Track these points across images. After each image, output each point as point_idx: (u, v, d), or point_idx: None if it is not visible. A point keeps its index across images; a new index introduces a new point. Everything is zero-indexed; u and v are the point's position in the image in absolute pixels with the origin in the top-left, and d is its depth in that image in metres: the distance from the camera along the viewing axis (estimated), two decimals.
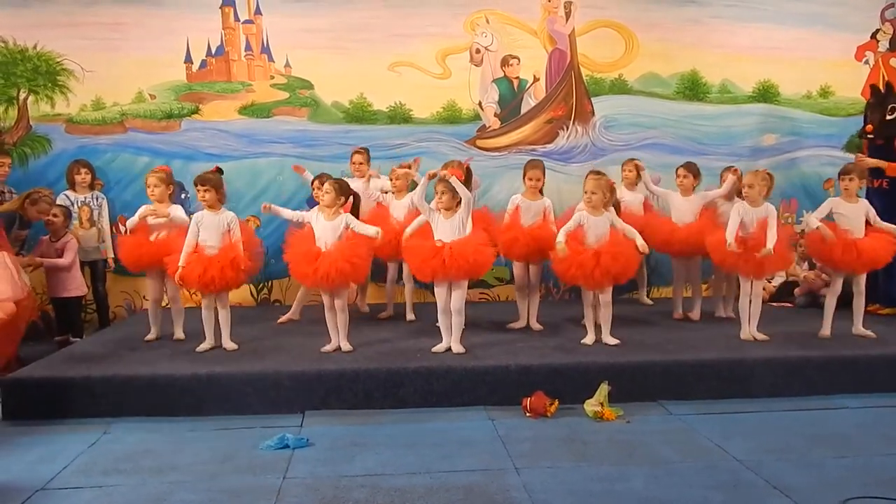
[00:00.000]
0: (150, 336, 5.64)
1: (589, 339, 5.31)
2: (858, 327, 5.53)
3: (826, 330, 5.51)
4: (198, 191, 5.21)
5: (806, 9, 7.63)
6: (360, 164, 6.51)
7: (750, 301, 5.43)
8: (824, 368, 4.98)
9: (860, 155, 6.40)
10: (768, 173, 5.47)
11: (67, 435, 4.31)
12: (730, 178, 6.05)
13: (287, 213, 5.44)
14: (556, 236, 5.23)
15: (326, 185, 5.13)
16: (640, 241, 5.12)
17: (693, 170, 6.15)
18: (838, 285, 5.54)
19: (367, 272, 5.46)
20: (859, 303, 5.56)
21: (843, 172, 5.57)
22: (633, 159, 6.65)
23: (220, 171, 5.46)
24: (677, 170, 6.21)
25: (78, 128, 7.10)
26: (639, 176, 6.50)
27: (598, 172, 5.45)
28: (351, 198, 5.23)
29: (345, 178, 5.71)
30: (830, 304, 5.54)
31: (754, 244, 5.23)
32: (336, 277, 4.98)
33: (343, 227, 5.08)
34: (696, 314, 6.23)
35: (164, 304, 5.72)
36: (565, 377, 4.76)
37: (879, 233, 5.45)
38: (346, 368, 4.77)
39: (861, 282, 5.55)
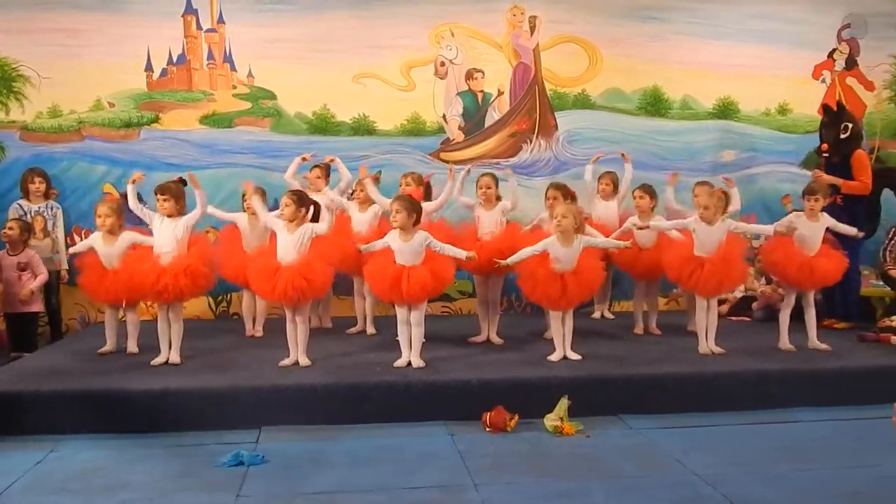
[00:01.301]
0: (105, 348, 5.51)
1: (556, 355, 5.25)
2: (814, 341, 5.60)
3: (785, 342, 5.57)
4: (157, 199, 5.12)
5: (766, 26, 7.75)
6: (318, 178, 6.34)
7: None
8: (783, 382, 5.02)
9: (818, 171, 6.49)
10: (723, 191, 5.53)
11: (13, 453, 4.17)
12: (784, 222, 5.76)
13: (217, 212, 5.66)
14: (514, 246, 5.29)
15: (284, 198, 5.04)
16: (613, 244, 5.31)
17: (649, 191, 6.12)
18: (791, 299, 5.63)
19: (327, 288, 5.41)
20: (811, 316, 5.63)
21: (809, 192, 5.61)
22: (610, 172, 6.68)
23: (183, 182, 5.35)
24: (634, 191, 6.20)
25: (33, 135, 6.95)
26: (616, 190, 6.57)
27: (569, 195, 5.49)
28: (311, 208, 5.14)
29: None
30: (785, 317, 5.62)
31: (711, 267, 5.28)
32: (294, 294, 4.92)
33: (307, 239, 4.98)
34: (654, 327, 6.28)
35: (119, 316, 5.59)
36: (526, 392, 4.74)
37: (832, 251, 5.57)
38: (304, 383, 4.70)
39: (810, 296, 5.64)
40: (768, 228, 5.47)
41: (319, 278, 5.03)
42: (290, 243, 4.99)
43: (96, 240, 5.32)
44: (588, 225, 5.51)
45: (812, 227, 5.56)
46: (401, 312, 5.07)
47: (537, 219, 6.01)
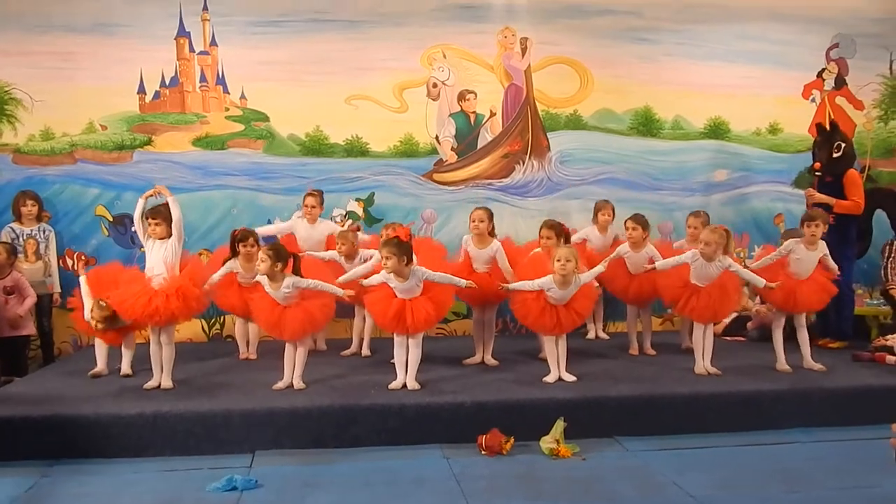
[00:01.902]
0: (96, 370, 5.48)
1: (551, 376, 5.24)
2: (808, 360, 5.60)
3: (783, 363, 5.55)
4: (149, 223, 5.11)
5: (755, 47, 7.81)
6: (313, 207, 6.38)
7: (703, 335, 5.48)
8: (778, 402, 5.02)
9: (811, 190, 6.54)
10: (725, 230, 5.43)
11: (3, 479, 4.12)
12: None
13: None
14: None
15: (261, 254, 4.96)
16: (762, 283, 5.29)
17: (641, 222, 6.02)
18: (782, 320, 5.63)
19: (328, 320, 5.43)
20: (803, 336, 5.63)
21: (809, 219, 5.61)
22: (607, 201, 6.70)
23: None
24: (626, 222, 6.12)
25: (25, 158, 6.94)
26: (612, 218, 6.60)
27: (566, 240, 5.58)
28: (291, 259, 5.06)
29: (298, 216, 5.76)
30: (778, 337, 5.61)
31: (707, 296, 5.31)
32: (300, 333, 5.05)
33: (294, 292, 4.98)
34: (649, 348, 6.27)
35: None
36: (521, 414, 4.72)
37: (821, 277, 5.58)
38: (297, 406, 4.66)
39: (801, 317, 5.64)
40: (760, 281, 5.34)
41: (320, 316, 5.11)
42: (280, 298, 5.00)
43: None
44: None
45: (808, 254, 5.57)
46: (399, 335, 5.06)
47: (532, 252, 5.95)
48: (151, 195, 5.27)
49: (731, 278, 5.39)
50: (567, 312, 5.16)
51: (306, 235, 6.32)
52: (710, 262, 5.31)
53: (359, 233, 6.39)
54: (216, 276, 5.63)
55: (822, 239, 5.62)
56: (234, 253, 5.82)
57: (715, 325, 5.92)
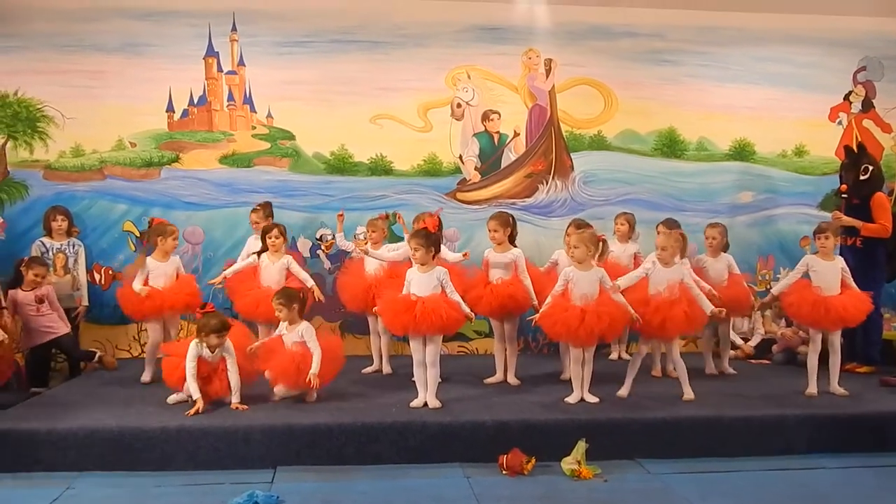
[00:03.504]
0: (145, 378, 5.76)
1: (574, 397, 5.20)
2: (835, 385, 5.53)
3: (812, 388, 5.47)
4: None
5: (780, 69, 7.80)
6: (255, 223, 6.57)
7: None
8: (803, 427, 4.94)
9: (837, 212, 6.48)
10: (681, 234, 5.48)
11: (29, 490, 4.18)
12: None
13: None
14: (526, 291, 5.31)
15: (274, 303, 5.18)
16: (709, 308, 5.18)
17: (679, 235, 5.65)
18: (818, 343, 5.53)
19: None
20: (834, 361, 5.56)
21: (818, 231, 5.64)
22: (625, 213, 6.76)
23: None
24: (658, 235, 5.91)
25: (56, 174, 7.06)
26: (632, 230, 6.68)
27: (581, 225, 5.47)
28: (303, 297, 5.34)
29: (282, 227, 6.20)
30: (813, 361, 5.52)
31: (657, 305, 5.19)
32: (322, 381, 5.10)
33: (310, 333, 5.13)
34: (672, 370, 6.21)
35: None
36: (542, 434, 4.69)
37: (854, 292, 5.50)
38: (319, 423, 4.67)
39: (836, 340, 5.56)
40: (707, 305, 5.20)
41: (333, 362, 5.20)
42: (291, 340, 5.15)
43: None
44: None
45: (827, 266, 5.53)
46: (416, 353, 5.07)
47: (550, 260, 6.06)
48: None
49: (686, 292, 5.25)
50: (597, 321, 4.99)
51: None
52: (668, 266, 5.28)
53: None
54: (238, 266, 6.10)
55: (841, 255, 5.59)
56: (265, 247, 6.09)
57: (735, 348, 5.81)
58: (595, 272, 5.14)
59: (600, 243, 5.29)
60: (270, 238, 6.05)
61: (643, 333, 5.36)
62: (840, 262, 5.59)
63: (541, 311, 5.19)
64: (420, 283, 5.03)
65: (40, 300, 6.05)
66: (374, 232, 6.26)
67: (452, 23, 7.47)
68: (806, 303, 5.41)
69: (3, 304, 5.84)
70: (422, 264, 5.04)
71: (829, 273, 5.51)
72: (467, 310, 5.07)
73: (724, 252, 6.26)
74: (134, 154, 7.16)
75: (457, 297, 5.08)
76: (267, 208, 6.72)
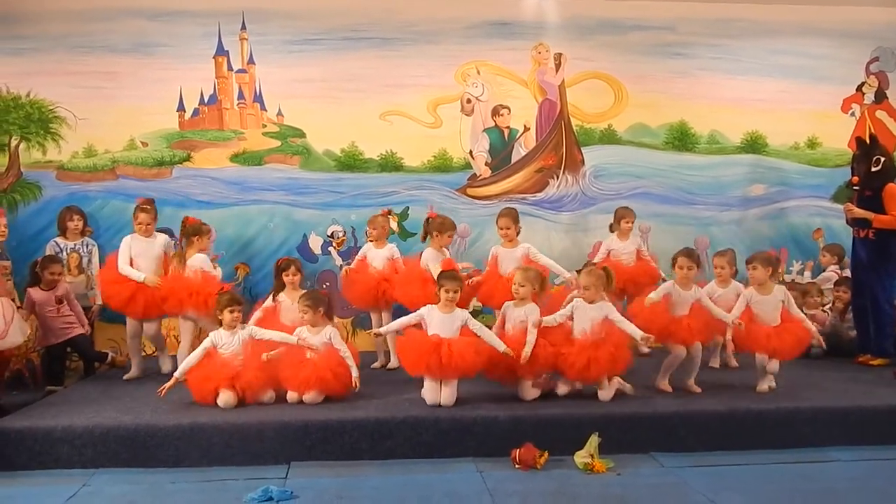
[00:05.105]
0: (131, 374, 5.84)
1: (606, 394, 5.07)
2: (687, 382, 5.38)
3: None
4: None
5: (791, 61, 7.76)
6: (147, 224, 6.13)
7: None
8: (816, 420, 4.93)
9: (849, 204, 6.44)
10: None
11: (46, 487, 4.22)
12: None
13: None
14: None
15: (300, 306, 5.18)
16: (639, 335, 4.98)
17: (695, 258, 5.44)
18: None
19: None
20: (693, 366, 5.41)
21: (748, 261, 5.47)
22: (629, 208, 6.76)
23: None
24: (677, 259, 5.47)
25: (69, 174, 7.11)
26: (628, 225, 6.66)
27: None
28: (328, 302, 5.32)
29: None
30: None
31: (581, 346, 5.02)
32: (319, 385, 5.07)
33: (336, 337, 5.18)
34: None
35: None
36: (555, 428, 4.70)
37: (792, 323, 5.36)
38: (331, 419, 4.69)
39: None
40: (637, 332, 4.99)
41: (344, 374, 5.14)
42: (318, 342, 5.14)
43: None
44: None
45: (764, 300, 5.36)
46: (428, 396, 4.96)
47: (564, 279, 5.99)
48: None
49: (615, 333, 5.08)
50: (598, 357, 4.94)
51: (141, 251, 6.09)
52: (592, 303, 5.10)
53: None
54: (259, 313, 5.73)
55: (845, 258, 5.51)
56: (279, 284, 5.81)
57: None
58: (601, 306, 5.05)
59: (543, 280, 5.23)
60: (288, 276, 5.75)
61: (566, 375, 5.11)
62: (780, 291, 5.40)
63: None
64: (444, 324, 4.94)
65: (60, 300, 6.09)
66: (374, 229, 6.26)
67: (462, 19, 7.47)
68: (660, 321, 5.22)
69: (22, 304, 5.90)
70: (312, 325, 5.12)
71: (768, 305, 5.36)
72: (503, 347, 4.91)
73: (734, 280, 5.84)
74: (146, 154, 7.20)
75: (486, 335, 4.97)
76: (154, 205, 6.34)
